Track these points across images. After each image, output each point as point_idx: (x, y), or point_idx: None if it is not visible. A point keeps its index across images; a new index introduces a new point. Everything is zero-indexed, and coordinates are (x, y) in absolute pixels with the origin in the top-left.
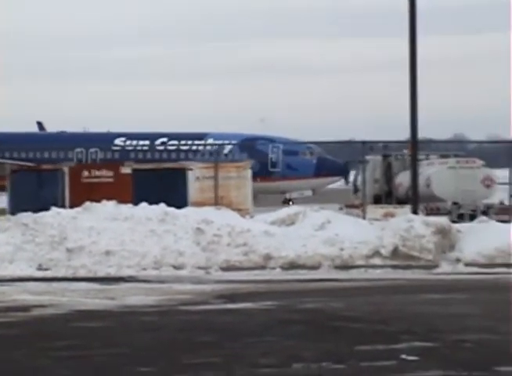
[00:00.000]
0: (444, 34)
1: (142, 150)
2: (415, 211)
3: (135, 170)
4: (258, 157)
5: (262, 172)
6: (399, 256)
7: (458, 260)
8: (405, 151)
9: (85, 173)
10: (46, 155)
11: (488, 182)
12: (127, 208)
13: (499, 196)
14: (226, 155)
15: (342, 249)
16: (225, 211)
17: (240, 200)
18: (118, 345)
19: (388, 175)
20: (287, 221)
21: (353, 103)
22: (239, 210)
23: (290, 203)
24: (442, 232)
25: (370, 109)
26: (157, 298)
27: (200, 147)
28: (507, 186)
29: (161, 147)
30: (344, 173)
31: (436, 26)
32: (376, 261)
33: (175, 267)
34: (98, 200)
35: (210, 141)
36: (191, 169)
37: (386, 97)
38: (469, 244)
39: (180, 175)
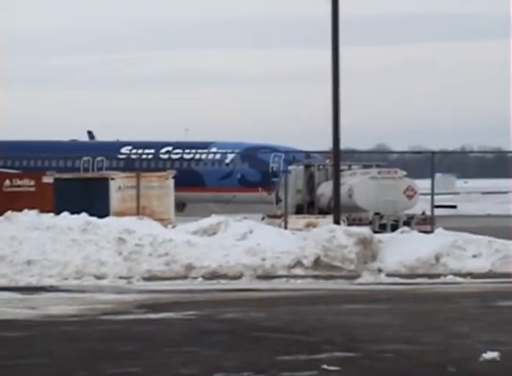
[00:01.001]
0: (365, 45)
1: (146, 159)
2: (337, 222)
3: (56, 179)
4: (260, 166)
5: (264, 182)
6: (321, 266)
7: (380, 270)
8: (328, 161)
9: (7, 182)
10: (54, 164)
11: (410, 193)
12: (48, 218)
13: (421, 206)
14: (228, 164)
15: (264, 259)
16: (147, 220)
17: (162, 209)
18: (39, 354)
19: (310, 185)
20: (209, 231)
21: (277, 112)
22: (161, 220)
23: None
24: (364, 242)
25: (294, 119)
26: (79, 307)
27: (203, 156)
28: (429, 197)
29: (165, 156)
30: None
31: (358, 36)
32: (298, 271)
33: (97, 277)
34: (20, 210)
35: (213, 150)
36: (113, 179)
37: (309, 107)
38: (391, 254)
39: (102, 185)
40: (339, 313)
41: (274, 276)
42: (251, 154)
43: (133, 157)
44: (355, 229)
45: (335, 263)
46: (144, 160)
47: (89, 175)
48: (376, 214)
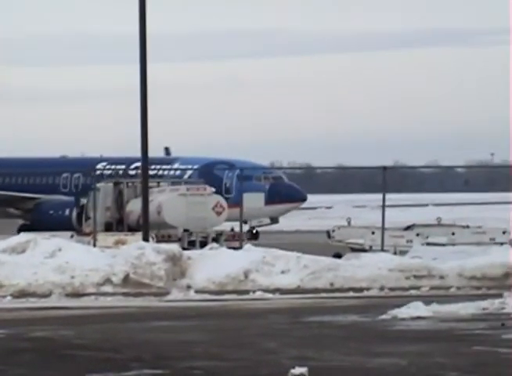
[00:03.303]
0: (175, 61)
1: (118, 175)
2: (146, 239)
3: None
4: (215, 182)
5: None
6: (130, 283)
7: (189, 287)
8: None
9: None
10: (31, 181)
11: (219, 209)
12: None
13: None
14: (186, 182)
15: (73, 277)
16: None
17: None
18: None
19: (119, 202)
20: (18, 249)
21: (98, 130)
22: None
23: (254, 231)
24: (173, 259)
25: (108, 136)
26: None
27: (166, 172)
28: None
29: (133, 172)
30: (302, 199)
31: (166, 52)
32: (108, 288)
33: None
34: None
35: (176, 165)
36: None
37: (121, 124)
38: (200, 270)
39: None
40: (148, 331)
41: (83, 294)
42: (208, 170)
43: (106, 172)
44: (163, 246)
45: (144, 280)
46: (115, 176)
47: None
48: (185, 230)
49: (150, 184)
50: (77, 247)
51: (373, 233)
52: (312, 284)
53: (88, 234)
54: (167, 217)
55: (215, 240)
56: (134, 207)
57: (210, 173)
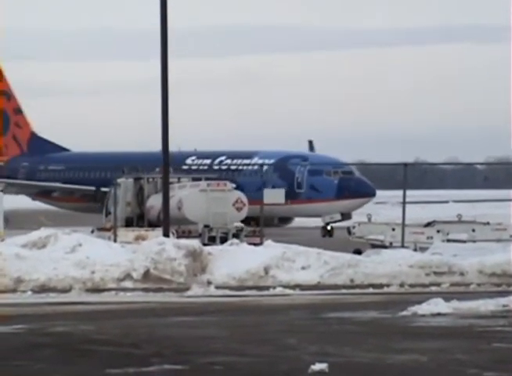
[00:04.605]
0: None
1: (202, 170)
2: (166, 234)
3: None
4: (288, 177)
5: (291, 194)
6: (151, 279)
7: (209, 282)
8: (158, 169)
9: None
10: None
11: (240, 205)
12: None
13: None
14: (262, 175)
15: (93, 272)
16: None
17: None
18: None
19: (140, 197)
20: (39, 244)
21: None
22: None
23: (328, 227)
24: (193, 254)
25: (131, 129)
26: None
27: (245, 167)
28: None
29: (217, 166)
30: (371, 194)
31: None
32: (128, 284)
33: None
34: None
35: (255, 160)
36: None
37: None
38: (220, 266)
39: None
40: (168, 326)
41: (103, 289)
42: (282, 165)
43: (193, 167)
44: (184, 241)
45: (165, 276)
46: (201, 170)
47: None
48: (206, 226)
49: (171, 180)
50: (97, 243)
51: (393, 229)
52: (332, 280)
53: (108, 229)
54: (187, 212)
55: (236, 235)
56: (154, 202)
57: (283, 168)
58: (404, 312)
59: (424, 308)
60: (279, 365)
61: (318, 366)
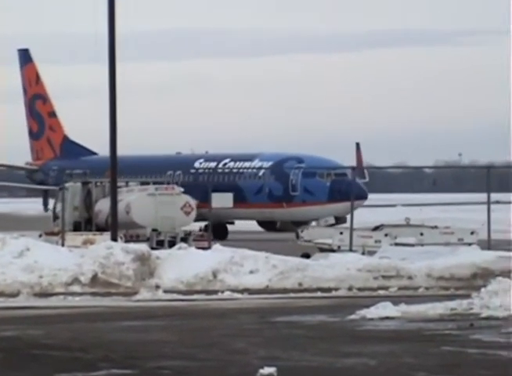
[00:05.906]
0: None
1: (208, 173)
2: (114, 238)
3: None
4: (283, 179)
5: (286, 197)
6: (99, 283)
7: (157, 287)
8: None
9: None
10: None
11: (188, 209)
12: None
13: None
14: (260, 178)
15: (41, 276)
16: None
17: None
18: None
19: (88, 202)
20: None
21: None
22: None
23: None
24: (142, 259)
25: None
26: None
27: (245, 170)
28: None
29: (221, 170)
30: (362, 197)
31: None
32: (76, 288)
33: None
34: None
35: (255, 162)
36: None
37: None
38: (168, 270)
39: None
40: (116, 330)
41: (52, 294)
42: (278, 167)
43: (200, 171)
44: (132, 245)
45: (113, 280)
46: (206, 173)
47: None
48: (154, 230)
49: (119, 184)
50: (45, 247)
51: (341, 233)
52: (281, 284)
53: (56, 234)
54: (135, 217)
55: (184, 239)
56: (102, 206)
57: (279, 170)
58: (352, 316)
59: (373, 311)
60: (228, 369)
61: (266, 371)
